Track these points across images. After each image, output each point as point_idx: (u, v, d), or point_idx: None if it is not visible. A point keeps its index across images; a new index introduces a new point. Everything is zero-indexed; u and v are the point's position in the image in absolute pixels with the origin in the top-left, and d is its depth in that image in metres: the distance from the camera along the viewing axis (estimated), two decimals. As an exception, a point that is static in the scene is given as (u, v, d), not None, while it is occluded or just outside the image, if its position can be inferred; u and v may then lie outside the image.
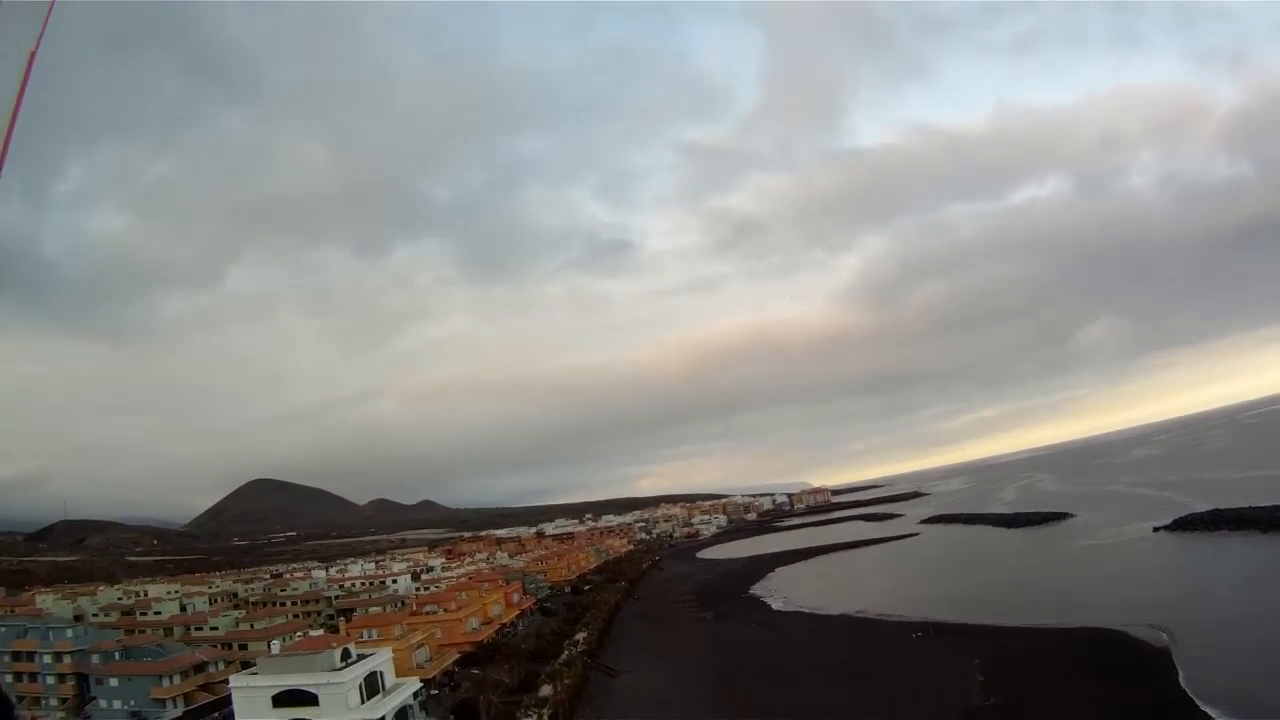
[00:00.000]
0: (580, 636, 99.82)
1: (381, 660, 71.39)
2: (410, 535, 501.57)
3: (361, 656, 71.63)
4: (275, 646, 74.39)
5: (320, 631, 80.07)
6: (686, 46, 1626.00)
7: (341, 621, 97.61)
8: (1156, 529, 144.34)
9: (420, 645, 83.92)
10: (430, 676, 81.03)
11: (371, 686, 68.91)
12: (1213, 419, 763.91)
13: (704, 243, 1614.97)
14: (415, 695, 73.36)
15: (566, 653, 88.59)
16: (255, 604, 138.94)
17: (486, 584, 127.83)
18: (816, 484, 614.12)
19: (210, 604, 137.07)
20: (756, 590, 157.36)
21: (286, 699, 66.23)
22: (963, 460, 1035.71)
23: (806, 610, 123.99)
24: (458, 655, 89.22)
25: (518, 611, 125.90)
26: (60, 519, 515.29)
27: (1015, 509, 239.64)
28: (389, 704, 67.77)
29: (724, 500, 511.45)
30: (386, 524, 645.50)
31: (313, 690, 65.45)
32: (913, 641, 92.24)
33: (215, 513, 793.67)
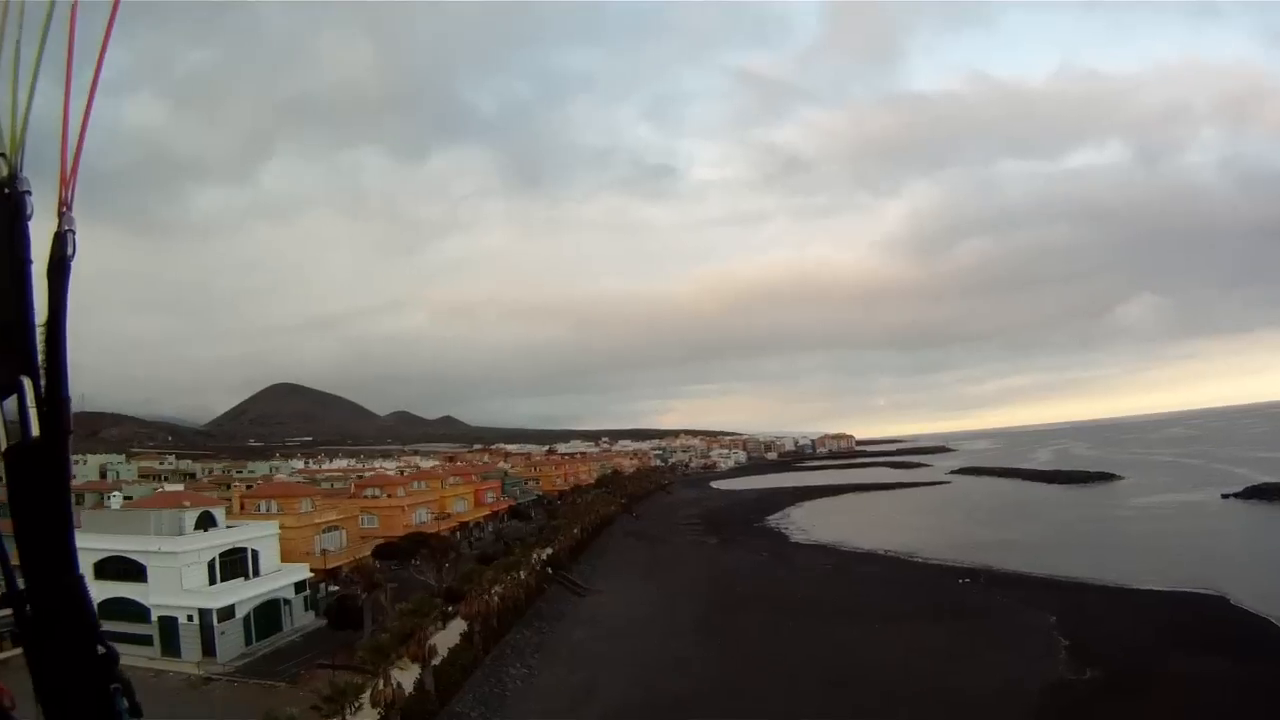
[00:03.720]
0: (551, 546, 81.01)
1: (255, 535, 53.14)
2: (425, 448, 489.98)
3: (233, 528, 53.35)
4: (116, 500, 56.25)
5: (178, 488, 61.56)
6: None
7: (236, 489, 79.39)
8: (1226, 496, 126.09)
9: (331, 528, 65.77)
10: (335, 567, 62.88)
11: (232, 567, 50.60)
12: (1244, 411, 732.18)
13: (749, 175, 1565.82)
14: (301, 587, 55.12)
15: (531, 557, 69.63)
16: (207, 484, 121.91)
17: (455, 477, 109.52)
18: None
19: (156, 480, 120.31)
20: (773, 521, 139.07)
21: (113, 568, 48.03)
22: (987, 426, 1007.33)
23: (829, 544, 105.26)
24: (375, 546, 70.55)
25: (489, 512, 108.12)
26: (78, 410, 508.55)
27: (1052, 469, 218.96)
28: (249, 591, 49.52)
29: (745, 437, 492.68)
30: (405, 436, 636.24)
31: (140, 560, 47.19)
32: (960, 588, 73.60)
33: (235, 414, 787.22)
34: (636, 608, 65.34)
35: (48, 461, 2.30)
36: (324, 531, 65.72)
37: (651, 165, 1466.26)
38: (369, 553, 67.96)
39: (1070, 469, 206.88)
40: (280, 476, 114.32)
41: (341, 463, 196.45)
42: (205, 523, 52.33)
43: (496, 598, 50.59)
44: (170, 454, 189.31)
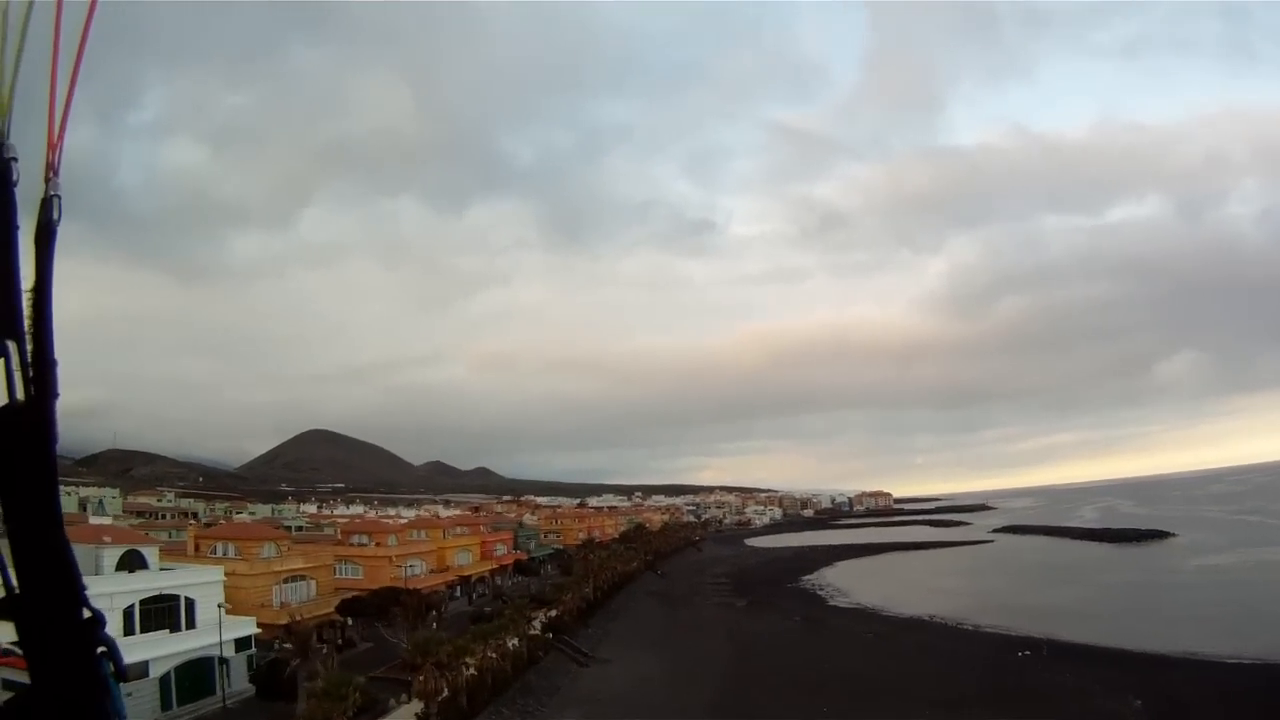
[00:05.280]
0: (556, 606, 72.16)
1: (192, 582, 45.26)
2: (456, 498, 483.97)
3: (165, 571, 45.55)
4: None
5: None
6: (787, 19, 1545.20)
7: (190, 528, 71.67)
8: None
9: (296, 577, 57.67)
10: (294, 622, 54.66)
11: (157, 616, 42.83)
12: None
13: (788, 231, 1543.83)
14: (245, 644, 47.01)
15: (524, 619, 60.86)
16: (204, 525, 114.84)
17: (460, 527, 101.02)
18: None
19: (152, 518, 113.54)
20: (807, 582, 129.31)
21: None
22: (1027, 484, 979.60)
23: (870, 608, 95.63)
24: (341, 601, 61.92)
25: (495, 566, 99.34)
26: (109, 448, 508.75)
27: (1101, 527, 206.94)
28: (172, 646, 41.64)
29: (781, 494, 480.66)
30: (439, 486, 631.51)
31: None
32: (1021, 661, 63.87)
33: (269, 459, 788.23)
34: (645, 682, 56.51)
35: (33, 423, 2.27)
36: (286, 581, 57.91)
37: (691, 220, 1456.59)
38: (331, 607, 59.81)
39: (1119, 527, 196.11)
40: (242, 518, 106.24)
41: (358, 509, 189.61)
42: (131, 563, 44.78)
43: (470, 670, 41.96)
44: (170, 492, 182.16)
